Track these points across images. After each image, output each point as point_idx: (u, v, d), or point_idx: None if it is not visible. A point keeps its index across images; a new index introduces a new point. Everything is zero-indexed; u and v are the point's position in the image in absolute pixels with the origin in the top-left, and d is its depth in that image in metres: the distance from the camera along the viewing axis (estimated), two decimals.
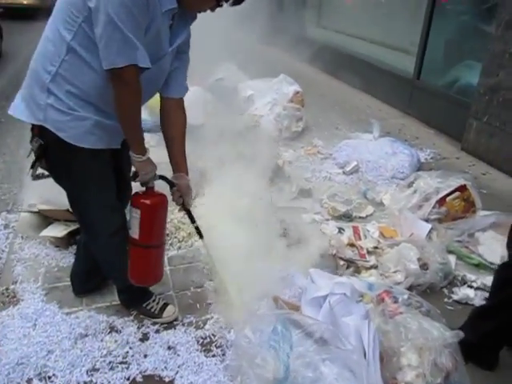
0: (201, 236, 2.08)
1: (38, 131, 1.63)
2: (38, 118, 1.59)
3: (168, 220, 2.79)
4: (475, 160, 4.02)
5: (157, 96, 1.85)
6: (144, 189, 1.80)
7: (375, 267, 2.46)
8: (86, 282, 2.24)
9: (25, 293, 2.28)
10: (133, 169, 1.76)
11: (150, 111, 3.61)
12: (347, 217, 2.94)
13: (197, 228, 2.07)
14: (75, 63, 1.54)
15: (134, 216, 1.77)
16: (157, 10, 1.50)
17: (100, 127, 1.65)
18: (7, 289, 2.32)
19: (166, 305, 2.14)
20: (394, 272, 2.38)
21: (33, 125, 1.65)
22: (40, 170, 1.80)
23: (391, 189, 3.36)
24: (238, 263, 2.25)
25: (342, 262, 2.43)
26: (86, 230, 1.96)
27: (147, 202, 1.76)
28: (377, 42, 6.19)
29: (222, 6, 1.66)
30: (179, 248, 2.64)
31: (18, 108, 1.65)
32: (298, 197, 3.15)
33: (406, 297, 1.94)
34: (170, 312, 2.12)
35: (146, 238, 1.80)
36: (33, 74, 1.62)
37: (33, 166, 1.73)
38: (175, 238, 2.70)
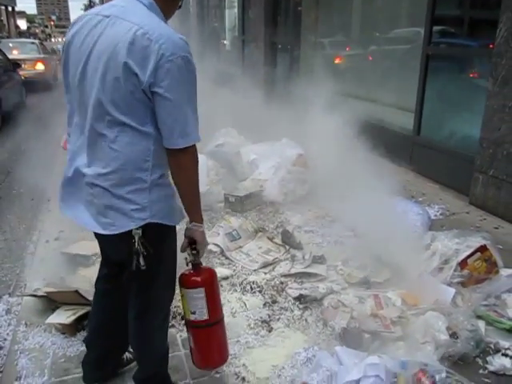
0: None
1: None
2: (142, 218, 1.54)
3: (179, 298, 2.71)
4: (485, 214, 3.96)
5: None
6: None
7: (402, 338, 2.33)
8: (98, 369, 2.08)
9: None
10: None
11: None
12: (365, 283, 2.83)
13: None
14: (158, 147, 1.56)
15: (195, 297, 1.69)
16: None
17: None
18: None
19: None
20: (423, 343, 2.25)
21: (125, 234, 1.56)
22: None
23: (405, 250, 3.26)
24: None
25: (366, 335, 2.30)
26: (146, 307, 1.80)
27: (208, 277, 1.73)
28: (374, 100, 6.32)
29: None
30: None
31: (101, 223, 1.59)
32: (311, 264, 3.05)
33: (443, 375, 1.81)
34: None
35: (216, 314, 1.76)
36: (118, 182, 1.55)
37: (137, 254, 1.58)
38: None
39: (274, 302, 2.69)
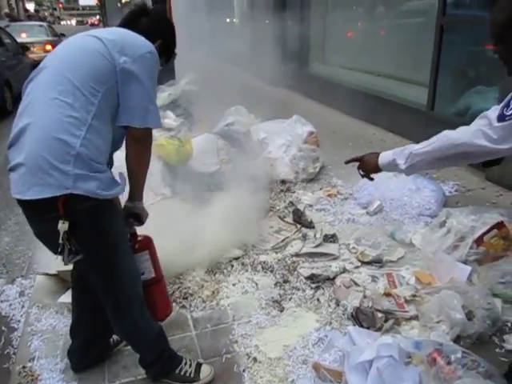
0: None
1: (63, 206, 1.48)
2: (65, 187, 1.46)
3: (190, 278, 2.70)
4: (502, 190, 3.85)
5: None
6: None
7: (416, 318, 2.29)
8: (84, 357, 2.09)
9: (43, 371, 2.13)
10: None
11: None
12: (378, 262, 2.78)
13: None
14: (97, 128, 1.56)
15: (143, 260, 1.91)
16: None
17: None
18: (24, 367, 2.17)
19: (199, 365, 2.02)
20: (438, 322, 2.20)
21: (50, 203, 1.48)
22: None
23: (419, 227, 3.20)
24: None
25: (379, 315, 2.26)
26: (118, 305, 1.78)
27: (149, 241, 1.94)
28: (387, 75, 6.17)
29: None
30: (204, 308, 2.48)
31: (26, 187, 1.50)
32: (322, 243, 3.00)
33: (459, 355, 1.77)
34: (206, 372, 1.99)
35: (159, 270, 1.99)
36: (47, 141, 1.49)
37: (62, 252, 1.54)
38: (199, 297, 2.55)
39: (286, 281, 2.66)
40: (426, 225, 3.19)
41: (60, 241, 1.50)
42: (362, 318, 2.24)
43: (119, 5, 24.38)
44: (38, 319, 2.50)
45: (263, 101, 5.46)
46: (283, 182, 4.06)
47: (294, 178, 4.08)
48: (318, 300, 2.48)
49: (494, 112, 1.39)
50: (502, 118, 1.34)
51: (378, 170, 1.84)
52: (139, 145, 1.66)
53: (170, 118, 4.61)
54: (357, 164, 1.97)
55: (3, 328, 2.56)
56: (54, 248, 1.55)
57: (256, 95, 5.59)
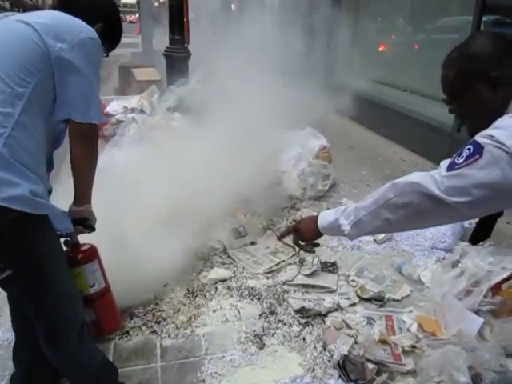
0: None
1: None
2: None
3: (167, 299, 2.46)
4: None
5: None
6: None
7: (413, 373, 1.98)
8: None
9: None
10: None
11: None
12: (379, 300, 2.47)
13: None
14: (27, 125, 1.33)
15: (93, 270, 1.74)
16: None
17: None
18: None
19: None
20: (438, 383, 1.89)
21: None
22: None
23: (431, 262, 2.88)
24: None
25: (371, 366, 1.95)
26: (51, 331, 1.53)
27: (95, 249, 1.76)
28: (413, 91, 5.83)
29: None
30: (176, 336, 2.22)
31: None
32: (319, 272, 2.71)
33: None
34: None
35: (107, 279, 1.82)
36: None
37: None
38: (172, 323, 2.29)
39: (272, 312, 2.38)
40: (439, 260, 2.87)
41: None
42: (349, 368, 1.94)
43: (156, 4, 24.36)
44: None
45: (279, 108, 5.19)
46: (289, 197, 3.77)
47: (301, 195, 3.79)
48: (303, 339, 2.18)
49: (447, 161, 1.17)
50: (451, 166, 1.13)
51: (318, 234, 1.49)
52: (85, 142, 1.49)
53: (177, 120, 4.40)
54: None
55: None
56: None
57: (273, 102, 5.32)
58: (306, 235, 1.54)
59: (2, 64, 1.33)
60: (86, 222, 1.63)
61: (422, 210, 1.18)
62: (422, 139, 5.11)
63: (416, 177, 1.21)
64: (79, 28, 1.45)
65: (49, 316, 1.50)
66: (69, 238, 1.67)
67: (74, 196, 1.58)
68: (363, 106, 6.13)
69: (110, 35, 1.69)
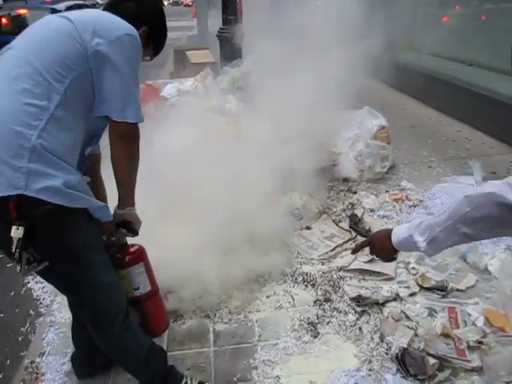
0: None
1: (15, 209, 1.25)
2: (15, 186, 1.24)
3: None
4: None
5: None
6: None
7: (479, 371, 1.84)
8: (86, 365, 1.92)
9: (49, 370, 2.01)
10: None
11: None
12: (441, 289, 2.33)
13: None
14: (62, 119, 1.34)
15: (137, 273, 1.72)
16: None
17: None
18: (32, 362, 2.06)
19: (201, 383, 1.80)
20: (507, 383, 1.76)
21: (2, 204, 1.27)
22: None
23: (499, 250, 2.67)
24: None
25: (432, 361, 1.84)
26: (95, 320, 1.57)
27: (143, 252, 1.74)
28: (479, 64, 5.43)
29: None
30: (229, 321, 2.22)
31: None
32: (375, 259, 2.59)
33: None
34: None
35: (155, 282, 1.80)
36: (1, 133, 1.27)
37: (20, 261, 1.32)
38: (226, 307, 2.28)
39: (327, 300, 2.31)
40: (508, 248, 2.65)
41: (13, 249, 1.27)
42: (408, 362, 1.84)
43: None
44: (59, 310, 2.40)
45: (338, 89, 5.02)
46: (345, 180, 3.65)
47: (358, 177, 3.65)
48: (360, 329, 2.11)
49: None
50: None
51: (394, 252, 1.46)
52: (123, 143, 1.46)
53: (231, 103, 4.36)
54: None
55: (31, 311, 2.50)
56: (11, 256, 1.32)
57: (332, 83, 5.15)
58: (382, 252, 1.51)
59: (42, 57, 1.33)
60: (129, 226, 1.62)
61: (504, 221, 1.08)
62: (488, 117, 4.75)
63: (491, 186, 1.12)
64: (118, 25, 1.44)
65: (90, 305, 1.54)
66: (113, 238, 1.65)
67: (118, 199, 1.58)
68: (424, 83, 5.81)
69: (155, 40, 1.67)
